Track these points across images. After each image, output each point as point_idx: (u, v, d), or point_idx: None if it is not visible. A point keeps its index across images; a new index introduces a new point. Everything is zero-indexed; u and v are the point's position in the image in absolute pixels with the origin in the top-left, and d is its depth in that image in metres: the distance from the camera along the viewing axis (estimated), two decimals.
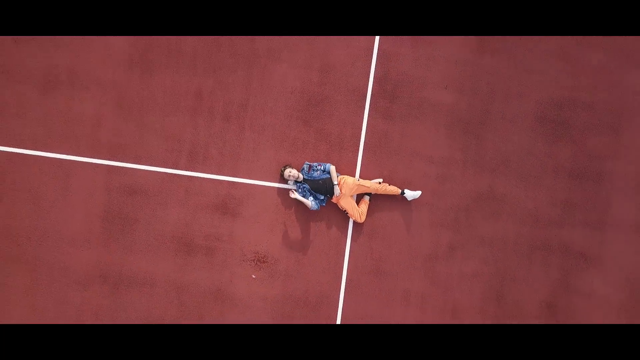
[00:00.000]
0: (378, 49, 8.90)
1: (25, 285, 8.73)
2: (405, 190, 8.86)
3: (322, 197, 8.74)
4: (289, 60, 8.88)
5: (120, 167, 8.77)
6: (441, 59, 8.95)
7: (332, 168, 8.69)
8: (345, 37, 8.86)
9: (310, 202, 8.66)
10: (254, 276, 8.91)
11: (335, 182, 8.62)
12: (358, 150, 8.96)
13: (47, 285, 8.75)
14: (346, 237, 8.98)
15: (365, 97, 8.92)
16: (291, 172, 8.62)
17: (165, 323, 8.81)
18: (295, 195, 8.60)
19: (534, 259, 9.03)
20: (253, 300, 8.91)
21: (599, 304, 9.07)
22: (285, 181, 8.88)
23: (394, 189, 8.81)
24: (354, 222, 8.94)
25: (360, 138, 8.95)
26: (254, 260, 8.92)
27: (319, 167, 8.73)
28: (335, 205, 8.90)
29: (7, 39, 8.60)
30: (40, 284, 8.74)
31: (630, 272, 9.06)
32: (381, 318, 8.97)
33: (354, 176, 8.95)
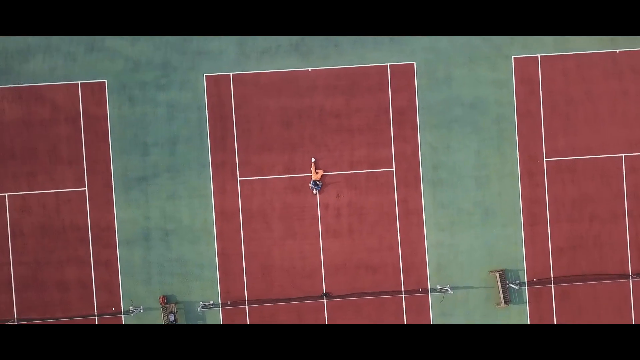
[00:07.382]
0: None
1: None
2: (313, 160, 32.83)
3: (319, 184, 32.75)
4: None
5: None
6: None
7: (311, 183, 32.60)
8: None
9: (319, 186, 32.66)
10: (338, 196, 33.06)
11: (317, 184, 32.53)
12: (311, 170, 33.14)
13: None
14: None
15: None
16: (311, 185, 32.36)
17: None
18: (317, 189, 32.71)
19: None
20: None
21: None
22: (312, 190, 32.65)
23: (314, 164, 32.63)
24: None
25: (308, 167, 33.04)
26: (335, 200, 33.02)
27: (311, 183, 32.85)
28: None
29: None
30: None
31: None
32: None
33: (312, 171, 32.51)
